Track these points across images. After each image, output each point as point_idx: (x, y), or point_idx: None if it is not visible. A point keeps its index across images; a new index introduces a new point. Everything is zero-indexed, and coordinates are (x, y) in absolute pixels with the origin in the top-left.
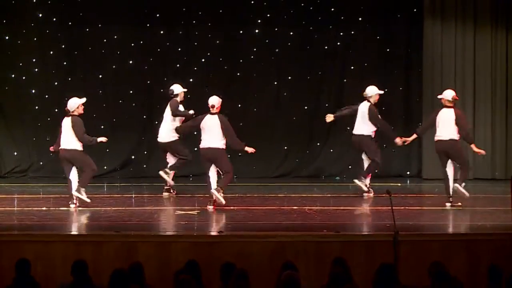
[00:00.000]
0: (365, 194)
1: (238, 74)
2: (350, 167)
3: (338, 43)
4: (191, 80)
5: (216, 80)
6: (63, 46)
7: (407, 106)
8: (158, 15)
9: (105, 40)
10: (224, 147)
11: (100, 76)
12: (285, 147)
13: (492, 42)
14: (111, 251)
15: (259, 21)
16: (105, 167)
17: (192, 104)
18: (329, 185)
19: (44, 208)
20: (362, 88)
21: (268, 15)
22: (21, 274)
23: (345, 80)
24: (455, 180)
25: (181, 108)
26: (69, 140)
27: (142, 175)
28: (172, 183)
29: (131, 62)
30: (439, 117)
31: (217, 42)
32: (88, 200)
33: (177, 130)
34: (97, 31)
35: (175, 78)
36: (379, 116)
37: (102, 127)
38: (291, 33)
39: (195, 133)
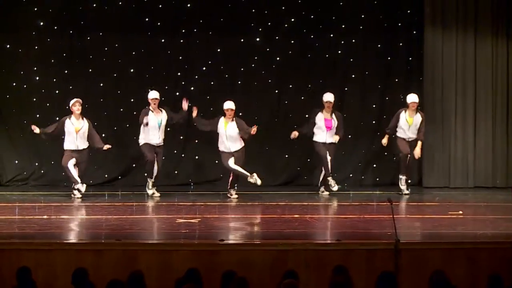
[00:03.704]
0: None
1: (239, 82)
2: (351, 175)
3: (339, 52)
4: (192, 88)
5: (217, 88)
6: (64, 55)
7: None
8: (159, 23)
9: (106, 49)
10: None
11: (101, 84)
12: (286, 156)
13: (493, 50)
14: (112, 260)
15: (260, 29)
16: (106, 175)
17: None
18: (330, 194)
19: (45, 217)
20: (363, 96)
21: (269, 24)
22: (22, 282)
23: (346, 89)
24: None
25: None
26: None
27: (143, 183)
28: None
29: (132, 70)
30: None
31: (218, 50)
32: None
33: None
34: (98, 39)
35: (176, 87)
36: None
37: (103, 135)
38: (292, 42)
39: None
